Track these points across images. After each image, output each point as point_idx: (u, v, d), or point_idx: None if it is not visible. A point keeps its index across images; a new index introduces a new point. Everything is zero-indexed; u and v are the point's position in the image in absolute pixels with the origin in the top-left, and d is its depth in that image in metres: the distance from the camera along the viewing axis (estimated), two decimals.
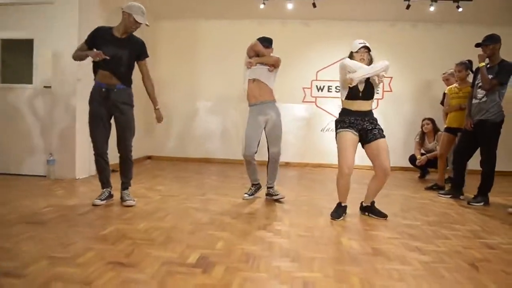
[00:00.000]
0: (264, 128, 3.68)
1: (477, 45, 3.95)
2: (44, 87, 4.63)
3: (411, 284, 1.91)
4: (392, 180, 4.76)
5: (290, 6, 5.58)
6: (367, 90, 3.08)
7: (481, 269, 2.13)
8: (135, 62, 3.36)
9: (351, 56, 3.13)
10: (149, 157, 6.94)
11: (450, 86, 4.70)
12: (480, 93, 3.93)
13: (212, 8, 6.22)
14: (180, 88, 6.89)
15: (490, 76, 3.82)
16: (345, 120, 3.11)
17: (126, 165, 3.40)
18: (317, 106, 6.73)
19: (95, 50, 3.17)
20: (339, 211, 3.17)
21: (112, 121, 3.34)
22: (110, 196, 3.43)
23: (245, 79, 3.68)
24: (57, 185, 4.15)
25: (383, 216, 3.18)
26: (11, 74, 4.84)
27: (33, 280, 1.78)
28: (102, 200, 3.32)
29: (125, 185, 3.43)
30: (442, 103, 5.28)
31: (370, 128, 3.09)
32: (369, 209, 3.27)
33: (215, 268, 2.00)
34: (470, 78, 4.37)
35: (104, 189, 3.40)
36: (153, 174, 5.18)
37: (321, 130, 6.70)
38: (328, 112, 6.67)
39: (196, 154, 6.86)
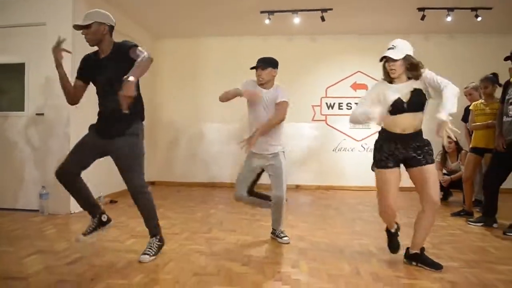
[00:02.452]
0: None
1: (506, 59, 3.60)
2: (37, 114, 4.33)
3: None
4: (412, 203, 4.35)
5: (297, 20, 5.26)
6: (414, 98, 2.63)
7: None
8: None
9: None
10: (153, 183, 6.59)
11: (476, 102, 4.29)
12: None
13: (215, 25, 5.94)
14: (183, 109, 6.58)
15: None
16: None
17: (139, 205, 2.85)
18: (327, 124, 6.36)
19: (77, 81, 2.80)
20: (394, 243, 2.82)
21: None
22: (101, 224, 2.80)
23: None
24: (49, 222, 3.81)
25: (438, 267, 2.52)
26: (0, 101, 4.54)
27: None
28: (86, 234, 2.74)
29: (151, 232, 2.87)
30: (464, 119, 4.89)
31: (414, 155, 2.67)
32: (418, 258, 2.59)
33: None
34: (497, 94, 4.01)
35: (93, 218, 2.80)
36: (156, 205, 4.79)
37: (333, 150, 6.32)
38: (340, 131, 6.31)
39: (202, 178, 6.50)
